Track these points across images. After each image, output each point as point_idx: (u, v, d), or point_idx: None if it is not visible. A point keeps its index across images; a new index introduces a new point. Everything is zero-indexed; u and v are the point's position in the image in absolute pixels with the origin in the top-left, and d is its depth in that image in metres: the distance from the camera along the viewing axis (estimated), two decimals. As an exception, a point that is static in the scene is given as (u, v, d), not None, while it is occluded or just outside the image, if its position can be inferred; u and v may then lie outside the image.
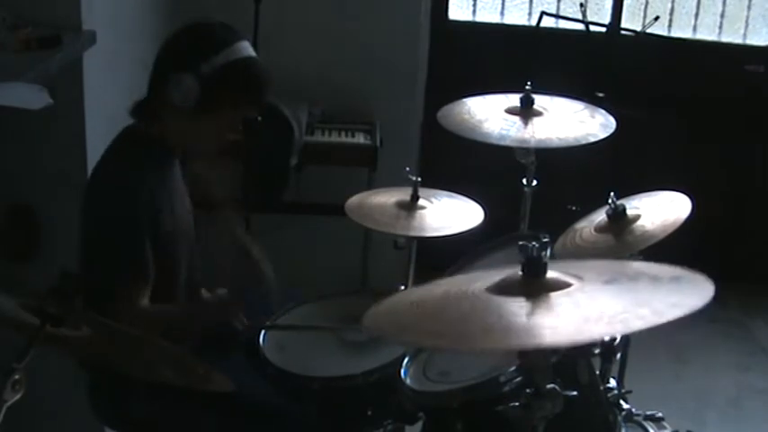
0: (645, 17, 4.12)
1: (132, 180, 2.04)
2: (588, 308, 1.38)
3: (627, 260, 1.75)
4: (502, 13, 4.20)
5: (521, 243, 1.49)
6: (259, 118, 3.05)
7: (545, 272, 1.49)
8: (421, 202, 2.49)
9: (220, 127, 2.13)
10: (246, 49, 2.11)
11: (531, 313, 1.39)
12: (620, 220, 2.27)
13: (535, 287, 1.45)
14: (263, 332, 2.30)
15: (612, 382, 2.41)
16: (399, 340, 1.51)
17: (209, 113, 2.08)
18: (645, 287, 1.43)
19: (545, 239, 2.04)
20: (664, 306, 1.32)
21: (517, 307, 1.40)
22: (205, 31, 2.12)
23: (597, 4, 4.15)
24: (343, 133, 3.76)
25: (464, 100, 2.78)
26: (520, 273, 1.50)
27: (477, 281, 1.53)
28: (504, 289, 1.48)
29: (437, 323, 1.47)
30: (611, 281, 1.46)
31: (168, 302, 2.12)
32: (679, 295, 1.36)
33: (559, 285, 1.45)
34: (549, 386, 1.54)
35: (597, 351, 2.13)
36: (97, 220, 2.07)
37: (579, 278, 1.47)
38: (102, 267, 2.05)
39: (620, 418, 2.22)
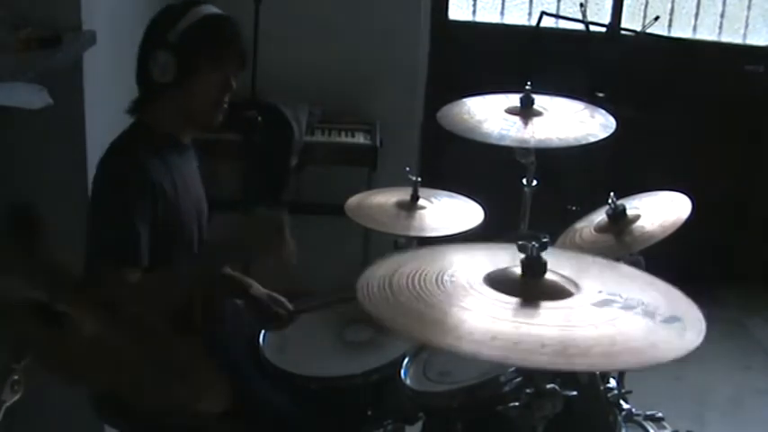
0: (645, 17, 4.12)
1: (128, 168, 2.05)
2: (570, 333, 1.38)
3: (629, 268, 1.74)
4: (502, 13, 4.20)
5: (520, 243, 1.49)
6: (259, 118, 3.05)
7: (544, 272, 1.49)
8: (421, 202, 2.49)
9: (209, 90, 2.13)
10: (208, 8, 2.13)
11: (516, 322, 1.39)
12: (620, 220, 2.27)
13: (530, 289, 1.46)
14: (263, 332, 2.30)
15: (612, 382, 2.41)
16: (385, 321, 1.49)
17: (192, 78, 2.09)
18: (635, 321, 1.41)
19: (545, 239, 2.05)
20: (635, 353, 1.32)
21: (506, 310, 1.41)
22: (166, 8, 2.15)
23: (597, 4, 4.15)
24: (343, 133, 3.76)
25: (464, 100, 2.78)
26: (519, 271, 1.50)
27: (477, 265, 1.53)
28: (500, 283, 1.48)
29: (427, 313, 1.47)
30: (602, 303, 1.45)
31: None
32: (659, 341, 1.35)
33: (554, 294, 1.45)
34: (549, 386, 1.54)
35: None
36: (94, 206, 2.09)
37: (576, 286, 1.47)
38: (92, 250, 2.05)
39: (620, 418, 2.22)
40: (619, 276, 1.62)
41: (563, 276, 1.51)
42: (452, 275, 1.53)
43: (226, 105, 2.17)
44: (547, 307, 1.43)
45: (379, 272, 1.54)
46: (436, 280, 1.52)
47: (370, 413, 2.19)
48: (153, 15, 2.16)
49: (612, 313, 1.42)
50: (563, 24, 4.06)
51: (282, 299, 2.31)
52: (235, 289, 2.33)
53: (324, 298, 2.43)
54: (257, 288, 2.33)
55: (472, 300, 1.45)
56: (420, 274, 1.53)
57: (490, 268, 1.53)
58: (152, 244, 2.05)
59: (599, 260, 1.72)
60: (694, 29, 4.24)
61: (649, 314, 1.40)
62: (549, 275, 1.50)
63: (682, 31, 4.23)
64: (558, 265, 1.52)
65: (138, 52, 2.14)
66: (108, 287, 1.97)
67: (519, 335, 1.35)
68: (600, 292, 1.48)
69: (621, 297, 1.46)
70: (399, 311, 1.46)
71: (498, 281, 1.49)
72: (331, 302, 2.39)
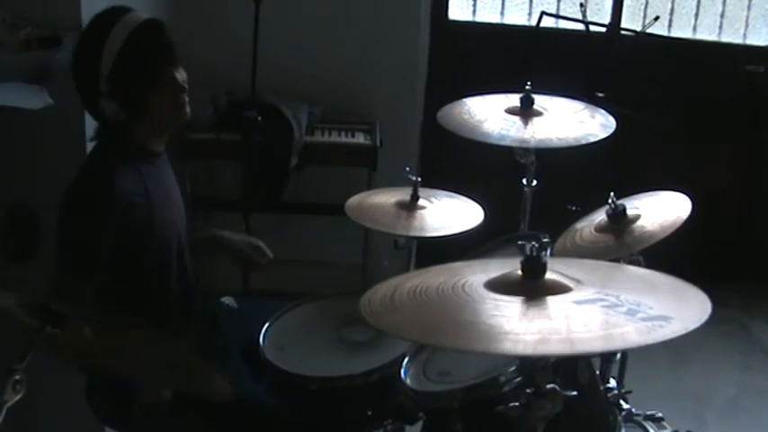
0: (645, 17, 4.12)
1: (92, 187, 2.05)
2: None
3: (623, 271, 1.75)
4: (502, 13, 4.20)
5: (520, 243, 1.49)
6: (259, 118, 3.05)
7: (544, 272, 1.49)
8: (421, 202, 2.49)
9: (165, 98, 2.10)
10: (119, 29, 2.03)
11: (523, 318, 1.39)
12: (620, 220, 2.27)
13: (530, 290, 1.46)
14: (262, 332, 2.30)
15: (612, 382, 2.41)
16: (389, 329, 1.51)
17: (144, 100, 2.07)
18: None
19: (545, 239, 2.05)
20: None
21: (510, 309, 1.41)
22: (78, 49, 2.09)
23: (597, 4, 4.15)
24: (343, 133, 3.76)
25: (464, 100, 2.78)
26: (519, 272, 1.50)
27: (476, 273, 1.54)
28: (501, 287, 1.48)
29: (429, 317, 1.47)
30: (586, 302, 1.45)
31: (160, 316, 2.10)
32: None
33: (556, 290, 1.46)
34: (549, 386, 1.54)
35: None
36: (62, 223, 2.07)
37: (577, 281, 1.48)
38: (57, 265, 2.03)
39: (620, 418, 2.22)
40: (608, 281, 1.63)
41: (565, 275, 1.51)
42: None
43: (187, 98, 2.14)
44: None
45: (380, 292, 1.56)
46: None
47: (370, 413, 2.19)
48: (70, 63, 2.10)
49: (587, 309, 1.43)
50: (563, 24, 4.06)
51: (261, 244, 2.34)
52: (208, 241, 2.37)
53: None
54: (231, 234, 2.36)
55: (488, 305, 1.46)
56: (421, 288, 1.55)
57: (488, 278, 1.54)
58: (125, 254, 2.05)
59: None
60: (694, 29, 4.24)
61: (631, 312, 1.40)
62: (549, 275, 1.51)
63: (682, 31, 4.22)
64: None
65: (77, 94, 2.10)
66: (65, 300, 1.89)
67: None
68: (597, 292, 1.48)
69: (615, 298, 1.46)
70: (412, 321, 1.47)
71: (500, 285, 1.50)
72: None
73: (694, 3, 4.20)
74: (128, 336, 1.60)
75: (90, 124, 2.62)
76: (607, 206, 2.29)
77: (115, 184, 2.04)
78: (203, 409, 2.07)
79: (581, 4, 3.93)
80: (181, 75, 2.12)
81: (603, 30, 4.00)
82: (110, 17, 2.06)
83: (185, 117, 2.16)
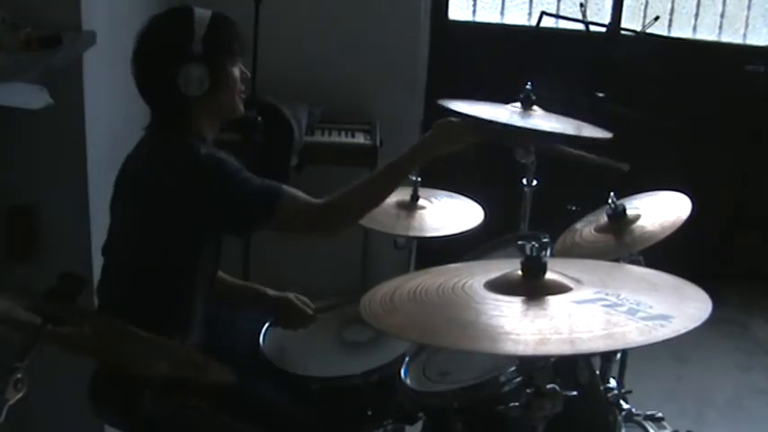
0: (645, 17, 4.12)
1: (209, 150, 2.11)
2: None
3: (622, 272, 1.75)
4: (502, 13, 4.20)
5: (520, 243, 1.50)
6: (259, 118, 3.05)
7: (544, 272, 1.50)
8: (421, 202, 2.49)
9: (233, 84, 2.17)
10: (202, 10, 2.13)
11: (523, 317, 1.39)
12: (620, 220, 2.27)
13: (530, 290, 1.46)
14: (262, 332, 2.30)
15: (612, 382, 2.41)
16: (389, 329, 1.51)
17: (223, 79, 2.12)
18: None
19: (545, 239, 2.05)
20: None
21: (511, 309, 1.41)
22: (165, 19, 2.14)
23: (597, 4, 4.15)
24: (343, 133, 3.76)
25: (464, 100, 2.78)
26: (519, 272, 1.51)
27: (476, 274, 1.54)
28: (502, 287, 1.48)
29: (430, 317, 1.48)
30: (587, 301, 1.46)
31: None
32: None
33: (556, 290, 1.46)
34: (549, 386, 1.54)
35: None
36: (210, 184, 2.07)
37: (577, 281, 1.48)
38: (245, 214, 2.09)
39: (620, 418, 2.22)
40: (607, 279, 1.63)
41: (565, 275, 1.51)
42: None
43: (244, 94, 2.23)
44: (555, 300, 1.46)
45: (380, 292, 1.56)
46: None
47: (370, 413, 2.19)
48: (146, 30, 2.13)
49: (587, 308, 1.43)
50: (563, 24, 4.06)
51: (305, 299, 2.33)
52: (252, 297, 2.35)
53: (338, 298, 2.43)
54: (276, 292, 2.35)
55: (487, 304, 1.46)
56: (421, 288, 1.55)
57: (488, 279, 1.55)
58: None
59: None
60: (694, 29, 4.24)
61: (632, 312, 1.40)
62: (549, 275, 1.51)
63: (682, 31, 4.23)
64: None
65: (150, 77, 2.11)
66: (298, 215, 2.08)
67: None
68: (597, 292, 1.48)
69: (616, 298, 1.46)
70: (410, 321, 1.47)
71: (501, 286, 1.51)
72: (349, 301, 2.38)
73: (694, 3, 4.21)
74: (124, 332, 1.60)
75: (90, 124, 2.63)
76: (607, 206, 2.29)
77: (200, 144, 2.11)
78: (203, 408, 2.07)
79: (581, 4, 3.93)
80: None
81: (603, 30, 4.00)
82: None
83: (240, 112, 2.24)
